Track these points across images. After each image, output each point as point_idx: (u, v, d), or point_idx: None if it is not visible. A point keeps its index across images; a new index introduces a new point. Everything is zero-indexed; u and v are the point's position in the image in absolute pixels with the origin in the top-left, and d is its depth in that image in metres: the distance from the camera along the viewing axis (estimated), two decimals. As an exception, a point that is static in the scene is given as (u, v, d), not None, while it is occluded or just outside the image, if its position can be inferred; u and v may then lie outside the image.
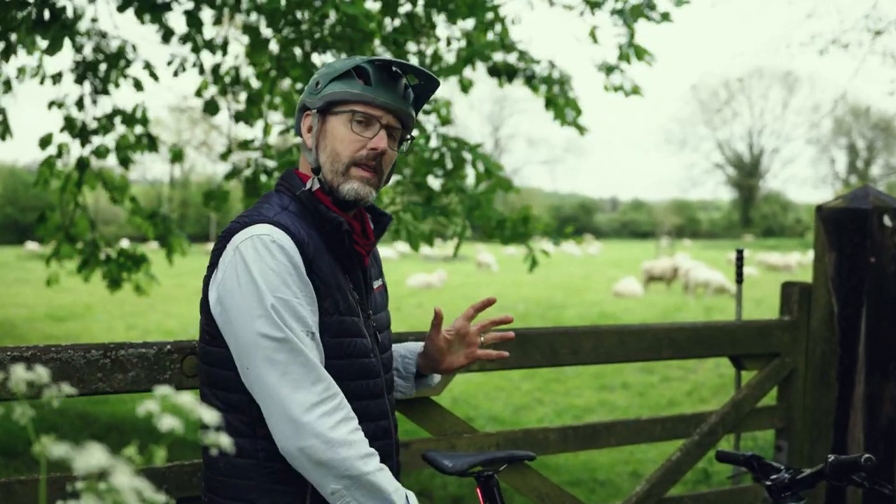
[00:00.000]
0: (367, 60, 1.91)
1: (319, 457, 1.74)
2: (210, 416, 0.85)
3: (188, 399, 0.87)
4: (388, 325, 2.12)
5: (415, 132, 2.17)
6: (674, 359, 3.57)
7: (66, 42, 5.00)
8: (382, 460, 1.90)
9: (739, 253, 3.97)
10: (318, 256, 1.86)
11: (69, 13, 5.12)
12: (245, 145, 5.95)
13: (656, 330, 3.44)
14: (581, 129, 6.21)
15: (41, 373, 0.88)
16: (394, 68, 1.95)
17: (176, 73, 6.07)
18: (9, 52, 5.40)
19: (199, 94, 6.28)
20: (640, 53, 5.93)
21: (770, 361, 3.75)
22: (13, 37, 5.13)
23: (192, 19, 5.33)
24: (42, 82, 5.80)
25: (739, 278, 3.99)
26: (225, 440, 0.86)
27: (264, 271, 1.77)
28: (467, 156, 5.16)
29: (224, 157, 6.42)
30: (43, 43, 5.06)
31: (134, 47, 5.99)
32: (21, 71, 5.71)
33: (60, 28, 4.69)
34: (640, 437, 3.43)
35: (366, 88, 1.90)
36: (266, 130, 5.92)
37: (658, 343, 3.43)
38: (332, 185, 1.93)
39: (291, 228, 1.83)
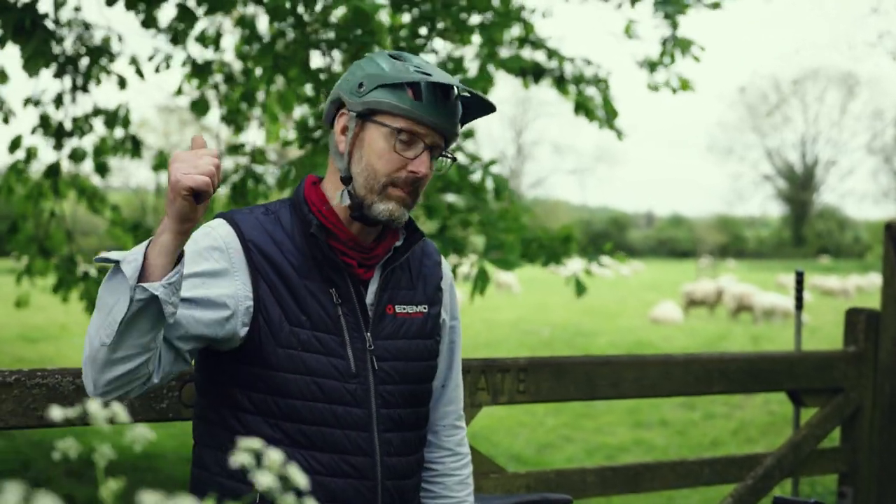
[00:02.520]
0: (425, 81, 1.87)
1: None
2: (302, 481, 0.84)
3: (278, 456, 0.85)
4: (412, 358, 2.04)
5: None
6: (724, 393, 3.56)
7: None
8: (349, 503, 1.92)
9: (799, 276, 3.95)
10: (275, 261, 1.90)
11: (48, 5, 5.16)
12: (235, 150, 5.99)
13: (705, 360, 3.43)
14: (619, 134, 6.20)
15: (119, 411, 0.88)
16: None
17: (158, 69, 6.10)
18: None
19: (179, 91, 6.30)
20: (685, 46, 5.93)
21: (833, 398, 3.73)
22: None
23: (185, 13, 5.31)
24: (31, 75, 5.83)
25: (799, 303, 3.97)
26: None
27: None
28: (477, 176, 5.08)
29: None
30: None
31: (120, 37, 5.99)
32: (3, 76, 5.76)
33: (42, 42, 4.73)
34: (687, 480, 3.42)
35: (415, 104, 1.87)
36: (271, 135, 5.91)
37: (707, 375, 3.42)
38: (364, 201, 1.92)
39: (242, 226, 1.91)
